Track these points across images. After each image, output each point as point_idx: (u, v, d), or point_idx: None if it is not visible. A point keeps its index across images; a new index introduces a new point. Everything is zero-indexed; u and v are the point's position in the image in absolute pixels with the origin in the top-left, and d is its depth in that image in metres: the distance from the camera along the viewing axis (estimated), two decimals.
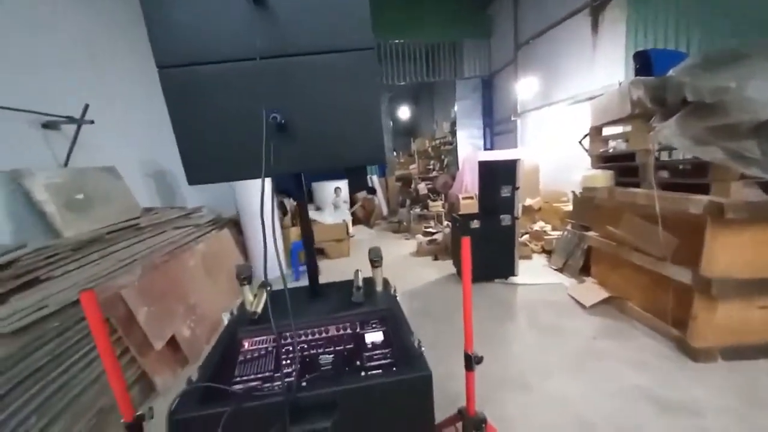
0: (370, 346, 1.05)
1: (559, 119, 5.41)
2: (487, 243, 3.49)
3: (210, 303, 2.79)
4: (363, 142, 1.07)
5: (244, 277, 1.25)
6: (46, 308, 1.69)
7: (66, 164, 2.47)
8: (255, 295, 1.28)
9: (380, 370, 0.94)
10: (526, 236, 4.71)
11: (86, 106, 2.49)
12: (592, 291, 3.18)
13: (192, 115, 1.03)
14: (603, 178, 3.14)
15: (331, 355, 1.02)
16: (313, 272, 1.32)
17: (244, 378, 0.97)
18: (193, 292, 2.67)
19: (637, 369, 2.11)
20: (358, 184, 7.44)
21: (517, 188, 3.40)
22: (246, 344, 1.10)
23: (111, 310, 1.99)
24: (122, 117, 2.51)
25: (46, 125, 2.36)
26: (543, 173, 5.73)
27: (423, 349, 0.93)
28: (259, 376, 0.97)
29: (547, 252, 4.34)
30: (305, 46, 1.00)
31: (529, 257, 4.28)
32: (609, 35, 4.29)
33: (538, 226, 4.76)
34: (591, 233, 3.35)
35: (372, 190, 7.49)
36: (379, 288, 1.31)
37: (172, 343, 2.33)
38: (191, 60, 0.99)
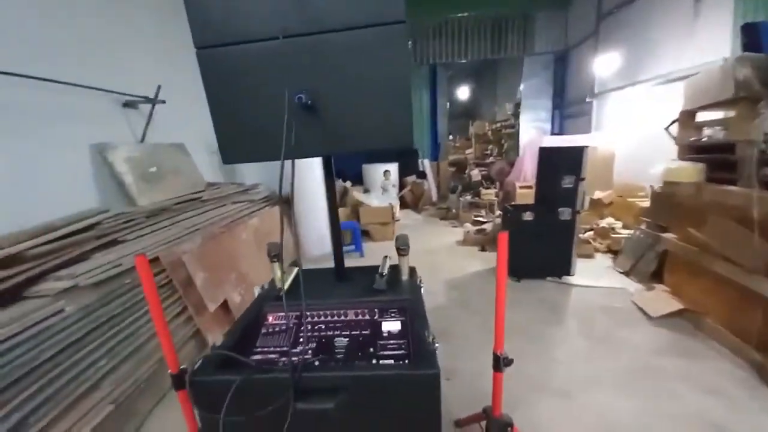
0: (386, 334, 1.03)
1: (643, 101, 4.71)
2: (540, 238, 3.23)
3: (258, 274, 3.00)
4: (390, 125, 1.02)
5: (274, 254, 1.29)
6: (121, 266, 1.94)
7: (142, 140, 2.78)
8: (284, 273, 1.33)
9: (392, 361, 0.92)
10: (590, 233, 4.26)
11: (159, 87, 2.75)
12: (661, 300, 2.79)
13: (226, 95, 1.07)
14: (691, 171, 2.68)
15: (346, 339, 1.02)
16: (339, 255, 1.32)
17: (264, 349, 1.01)
18: (244, 262, 2.89)
19: (706, 394, 1.82)
20: (408, 167, 7.34)
21: (582, 179, 3.04)
22: (270, 318, 1.14)
23: (174, 272, 2.24)
24: (191, 97, 2.72)
25: (126, 104, 2.66)
26: (618, 163, 5.08)
27: (437, 345, 0.88)
28: (277, 349, 1.01)
29: (614, 252, 3.88)
30: (335, 22, 0.96)
31: (590, 256, 3.88)
32: (713, 2, 3.56)
33: (606, 222, 4.27)
34: (668, 235, 2.91)
35: (422, 174, 7.33)
36: (405, 277, 1.27)
37: (224, 306, 2.56)
38: (226, 40, 1.01)
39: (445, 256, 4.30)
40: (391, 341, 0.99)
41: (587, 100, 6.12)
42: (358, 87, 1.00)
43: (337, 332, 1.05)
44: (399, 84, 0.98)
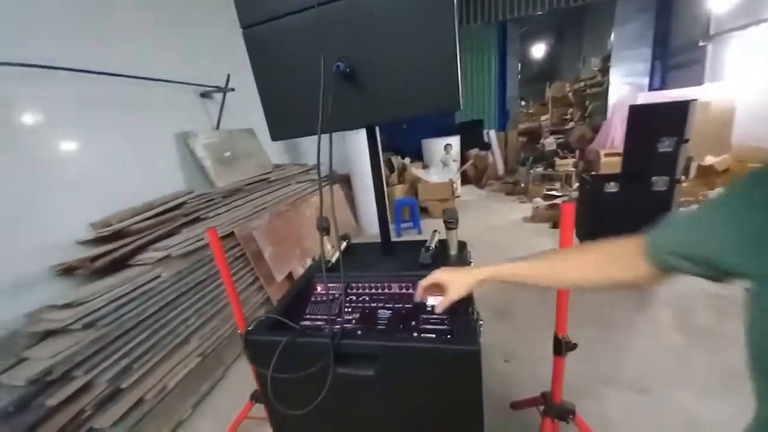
0: (429, 309, 0.99)
1: None
2: (626, 213, 2.78)
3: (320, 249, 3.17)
4: (435, 88, 0.94)
5: (324, 227, 1.32)
6: (204, 239, 2.21)
7: (217, 127, 3.07)
8: (333, 246, 1.36)
9: (433, 335, 0.88)
10: (695, 206, 3.57)
11: (228, 76, 2.96)
12: None
13: (271, 72, 1.09)
14: None
15: (389, 312, 1.01)
16: (385, 229, 1.30)
17: (312, 317, 1.06)
18: (307, 238, 3.07)
19: None
20: (471, 140, 6.92)
21: (686, 141, 2.52)
22: (319, 288, 1.19)
23: (246, 246, 2.48)
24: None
25: (203, 95, 2.94)
26: (740, 122, 4.10)
27: (481, 322, 0.82)
28: (324, 317, 1.04)
29: None
30: None
31: None
32: None
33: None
34: None
35: (486, 146, 6.84)
36: (453, 252, 1.20)
37: (290, 278, 2.78)
38: (266, 16, 1.01)
39: (510, 234, 4.02)
40: (435, 316, 0.95)
41: (700, 44, 4.98)
42: (397, 49, 0.93)
43: (380, 304, 1.04)
44: (443, 41, 0.89)
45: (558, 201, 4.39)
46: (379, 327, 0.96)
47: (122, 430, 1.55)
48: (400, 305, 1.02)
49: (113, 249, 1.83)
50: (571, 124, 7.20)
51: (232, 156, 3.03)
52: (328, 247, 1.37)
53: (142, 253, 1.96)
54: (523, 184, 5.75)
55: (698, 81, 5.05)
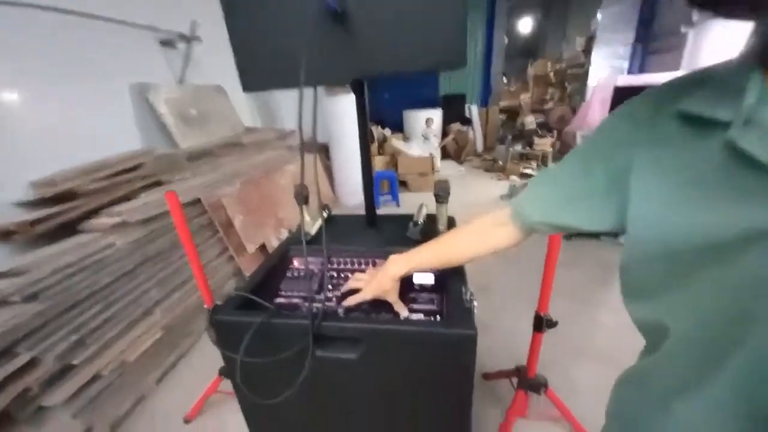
0: (417, 287, 0.92)
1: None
2: None
3: (295, 220, 3.03)
4: (439, 39, 0.81)
5: (303, 196, 1.21)
6: (165, 206, 2.01)
7: (181, 81, 2.76)
8: (312, 217, 1.25)
9: (422, 316, 0.82)
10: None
11: (193, 23, 2.63)
12: None
13: (245, 14, 0.91)
14: None
15: None
16: (371, 201, 1.20)
17: (287, 294, 0.96)
18: (281, 208, 2.92)
19: None
20: (453, 115, 6.80)
21: None
22: (295, 262, 1.09)
23: (214, 214, 2.30)
24: (227, 36, 2.60)
25: (164, 42, 2.60)
26: None
27: (475, 303, 0.77)
28: (301, 294, 0.95)
29: None
30: None
31: None
32: None
33: None
34: None
35: (467, 121, 6.75)
36: (442, 227, 1.13)
37: (264, 249, 2.65)
38: None
39: (488, 211, 4.02)
40: (423, 294, 0.89)
41: (682, 30, 5.02)
42: None
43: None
44: None
45: None
46: (363, 305, 0.88)
47: (77, 407, 1.44)
48: None
49: (59, 212, 1.62)
50: (550, 105, 7.22)
51: (198, 115, 2.76)
52: (307, 218, 1.26)
53: (95, 218, 1.75)
54: (500, 162, 5.78)
55: (675, 67, 5.14)
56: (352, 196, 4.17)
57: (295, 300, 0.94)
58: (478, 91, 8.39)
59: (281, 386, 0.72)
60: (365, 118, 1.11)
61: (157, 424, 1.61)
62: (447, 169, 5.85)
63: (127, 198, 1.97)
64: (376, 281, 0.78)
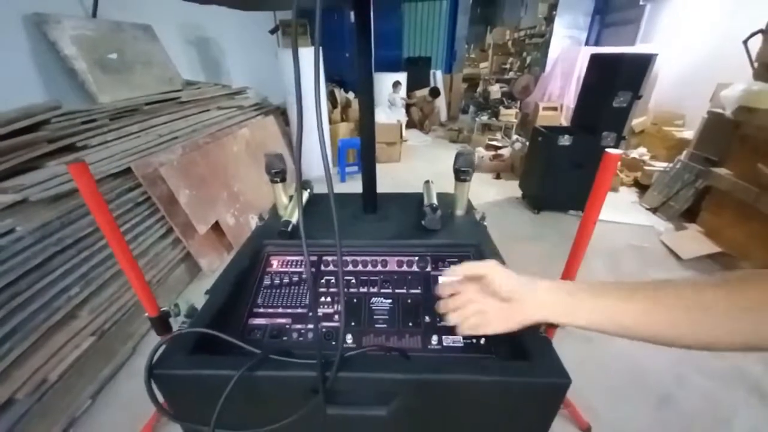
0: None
1: (711, 8, 3.87)
2: (574, 167, 2.85)
3: (255, 193, 2.66)
4: None
5: (276, 171, 0.92)
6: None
7: (94, 14, 2.12)
8: (291, 198, 0.98)
9: (460, 340, 0.62)
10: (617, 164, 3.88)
11: None
12: (695, 241, 2.58)
13: None
14: None
15: (389, 301, 0.71)
16: (370, 176, 0.94)
17: (269, 310, 0.71)
18: (236, 179, 2.51)
19: None
20: (418, 79, 6.46)
21: (640, 97, 2.54)
22: (275, 263, 0.82)
23: (151, 187, 1.88)
24: None
25: None
26: (660, 85, 4.42)
27: (543, 334, 0.58)
28: (289, 311, 0.70)
29: (641, 186, 3.57)
30: None
31: (615, 189, 3.57)
32: None
33: (638, 153, 3.86)
34: (721, 170, 2.56)
35: (436, 92, 6.43)
36: (460, 212, 0.93)
37: (217, 229, 2.27)
38: None
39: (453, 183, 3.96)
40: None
41: (641, 2, 5.09)
42: None
43: (373, 289, 0.74)
44: None
45: (501, 152, 4.40)
46: (378, 325, 0.67)
47: None
48: (403, 290, 0.73)
49: None
50: (510, 74, 7.15)
51: (120, 61, 2.18)
52: (284, 199, 0.98)
53: None
54: (466, 133, 5.67)
55: (631, 41, 5.27)
56: (312, 167, 3.79)
57: (281, 320, 0.69)
58: (443, 56, 8.06)
59: None
60: (370, 61, 0.83)
61: None
62: (413, 139, 5.61)
63: (28, 168, 1.49)
64: (503, 320, 0.48)
